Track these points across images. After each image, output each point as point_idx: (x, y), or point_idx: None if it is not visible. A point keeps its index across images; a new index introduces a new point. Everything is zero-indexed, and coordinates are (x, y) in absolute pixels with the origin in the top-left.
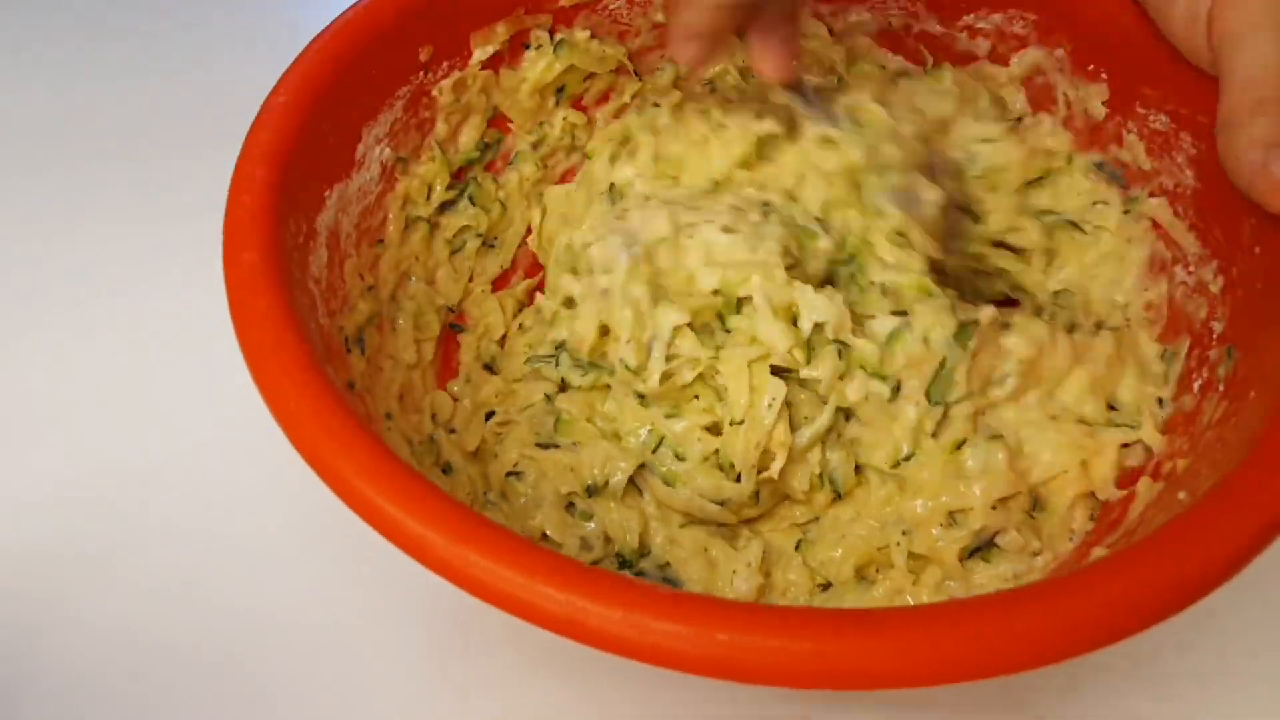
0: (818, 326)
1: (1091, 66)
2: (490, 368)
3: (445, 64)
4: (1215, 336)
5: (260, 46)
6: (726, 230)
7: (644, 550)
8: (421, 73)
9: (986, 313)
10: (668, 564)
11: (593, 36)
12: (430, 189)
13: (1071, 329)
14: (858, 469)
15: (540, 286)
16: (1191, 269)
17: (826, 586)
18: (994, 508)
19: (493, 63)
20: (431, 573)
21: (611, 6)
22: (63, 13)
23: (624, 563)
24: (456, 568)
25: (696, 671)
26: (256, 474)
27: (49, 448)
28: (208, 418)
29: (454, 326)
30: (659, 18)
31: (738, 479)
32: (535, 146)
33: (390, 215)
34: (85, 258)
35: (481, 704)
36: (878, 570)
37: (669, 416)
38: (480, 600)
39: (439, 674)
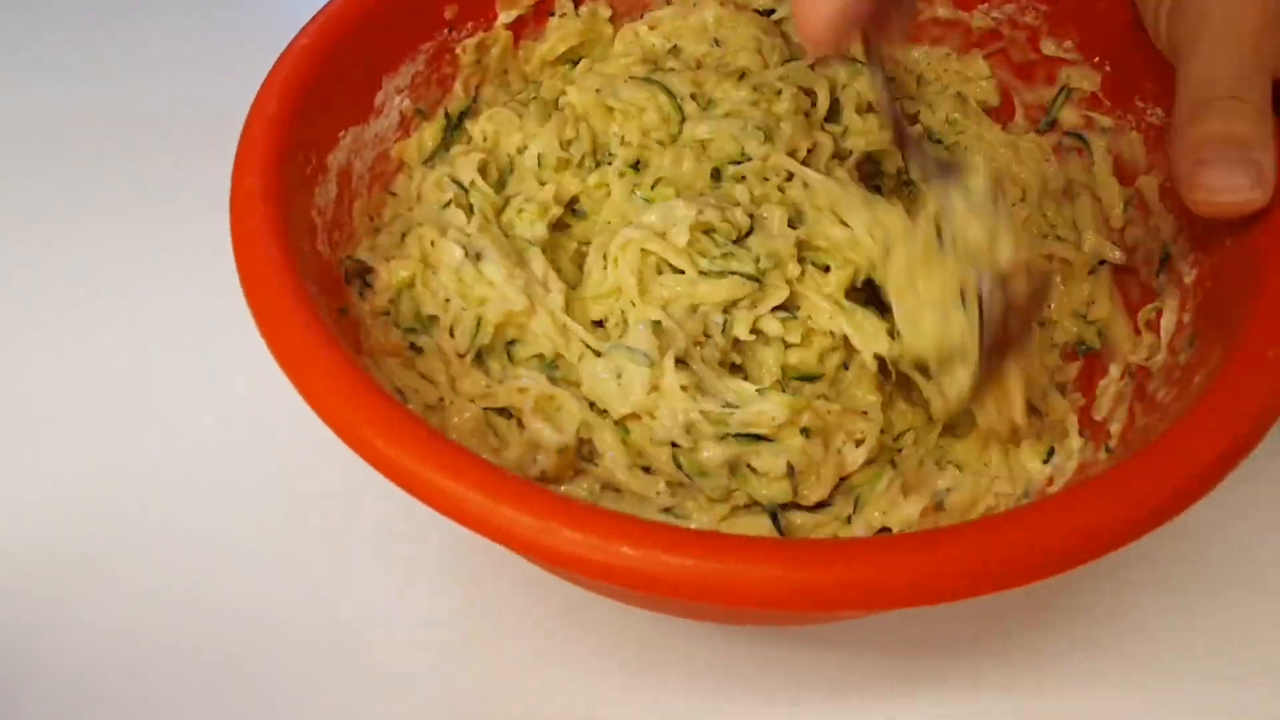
0: None
1: (1097, 59)
2: None
3: (470, 24)
4: (1182, 325)
5: (261, 47)
6: None
7: None
8: (446, 30)
9: None
10: None
11: (614, 16)
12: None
13: None
14: None
15: None
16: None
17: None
18: None
19: (515, 28)
20: (367, 463)
21: None
22: (63, 13)
23: None
24: (392, 460)
25: (601, 578)
26: (256, 474)
27: (49, 448)
28: (208, 418)
29: None
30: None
31: None
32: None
33: (404, 164)
34: (85, 258)
35: (482, 705)
36: None
37: None
38: (414, 497)
39: (439, 675)
